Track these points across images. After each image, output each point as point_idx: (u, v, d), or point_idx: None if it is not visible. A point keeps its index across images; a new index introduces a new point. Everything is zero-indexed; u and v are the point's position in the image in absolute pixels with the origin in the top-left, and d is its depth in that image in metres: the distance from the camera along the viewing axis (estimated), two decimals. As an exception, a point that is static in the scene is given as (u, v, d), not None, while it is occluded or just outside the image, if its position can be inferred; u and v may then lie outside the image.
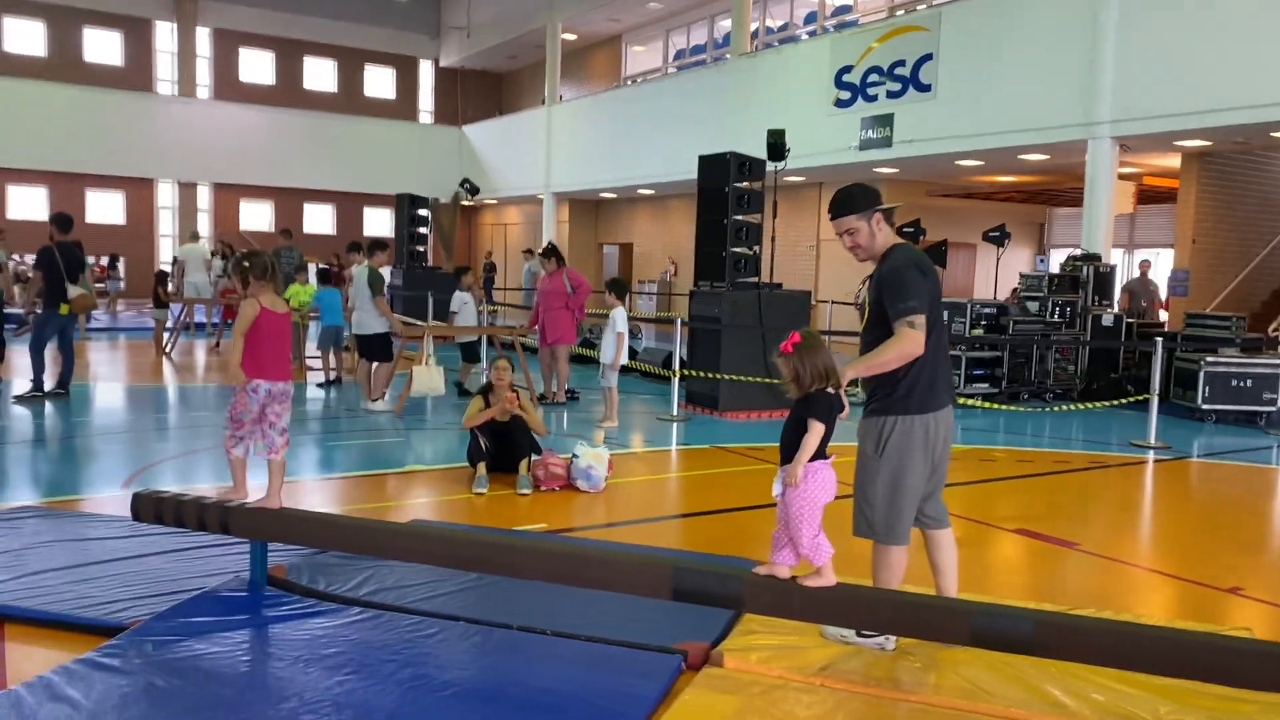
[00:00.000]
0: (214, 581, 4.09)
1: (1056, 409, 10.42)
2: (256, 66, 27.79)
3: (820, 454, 3.23)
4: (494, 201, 28.16)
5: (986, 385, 10.96)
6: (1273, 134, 12.34)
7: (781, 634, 3.64)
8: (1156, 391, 8.66)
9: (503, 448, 6.30)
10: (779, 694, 3.21)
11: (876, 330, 3.54)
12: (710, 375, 9.22)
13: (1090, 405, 9.80)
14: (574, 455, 6.23)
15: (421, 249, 16.80)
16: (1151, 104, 12.03)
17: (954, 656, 3.44)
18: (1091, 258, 12.01)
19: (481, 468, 6.23)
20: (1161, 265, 16.88)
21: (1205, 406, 10.07)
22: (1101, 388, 11.48)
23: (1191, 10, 11.63)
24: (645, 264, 24.81)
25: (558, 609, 3.88)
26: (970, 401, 9.73)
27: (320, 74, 28.65)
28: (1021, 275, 12.16)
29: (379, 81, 29.65)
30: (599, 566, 3.46)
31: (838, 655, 3.49)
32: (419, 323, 10.24)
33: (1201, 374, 10.14)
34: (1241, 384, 10.13)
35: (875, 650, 3.56)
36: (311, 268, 14.44)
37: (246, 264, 4.19)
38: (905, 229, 12.05)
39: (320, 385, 10.57)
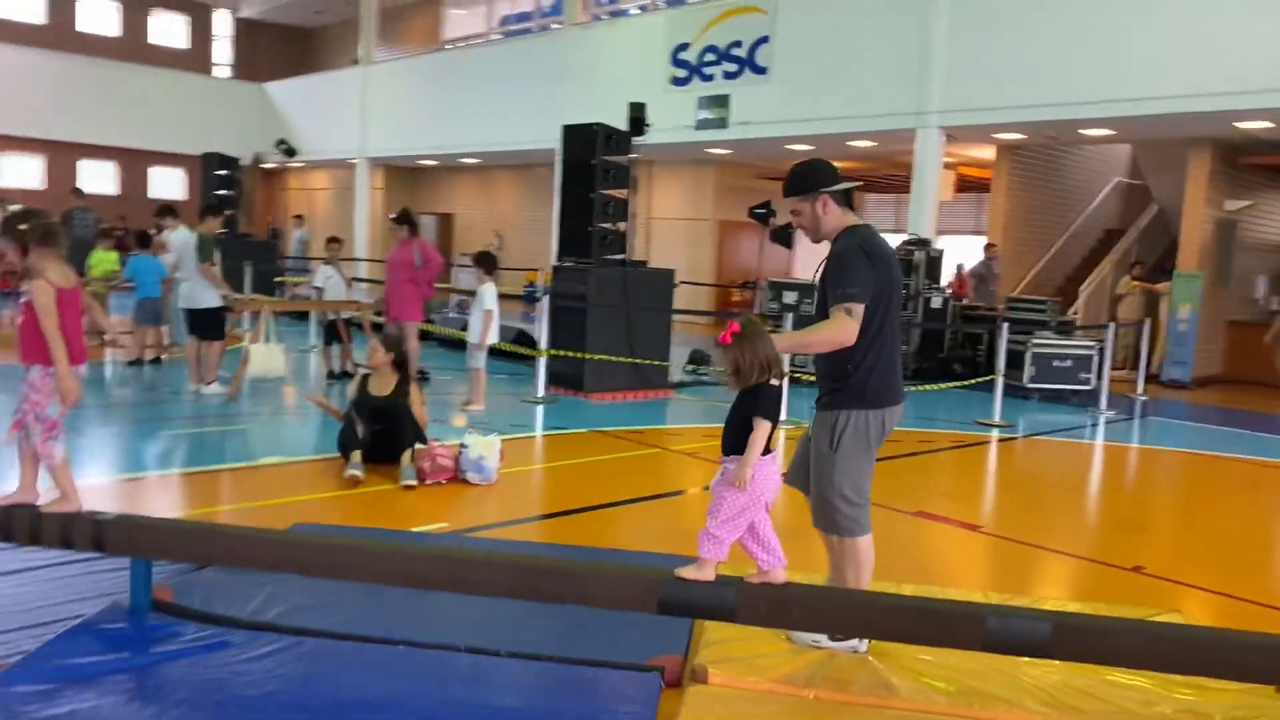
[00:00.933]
0: (84, 609, 3.43)
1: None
2: (22, 2, 24.73)
3: (764, 449, 3.03)
4: (300, 165, 26.43)
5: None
6: (1080, 130, 13.26)
7: (750, 642, 3.42)
8: (1001, 372, 9.09)
9: (383, 435, 5.76)
10: (777, 711, 2.99)
11: (824, 315, 3.38)
12: (577, 355, 8.89)
13: (937, 386, 10.18)
14: (463, 445, 5.78)
15: (231, 214, 15.40)
16: (978, 97, 12.61)
17: (939, 658, 3.33)
18: (922, 242, 12.51)
19: (356, 455, 5.67)
20: (962, 253, 17.81)
21: (1030, 385, 10.71)
22: (930, 368, 12.01)
23: (1017, 8, 12.26)
24: (468, 236, 23.98)
25: (487, 625, 3.48)
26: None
27: (99, 16, 25.84)
28: (862, 258, 12.47)
29: (169, 29, 27.07)
30: (573, 580, 3.11)
31: (817, 663, 3.30)
32: (258, 296, 9.31)
33: (1029, 355, 10.78)
34: (1062, 364, 10.84)
35: (848, 654, 3.41)
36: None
37: (23, 226, 3.31)
38: (757, 210, 12.12)
39: (131, 364, 9.45)
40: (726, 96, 15.65)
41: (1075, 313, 14.29)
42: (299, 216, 24.24)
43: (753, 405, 3.04)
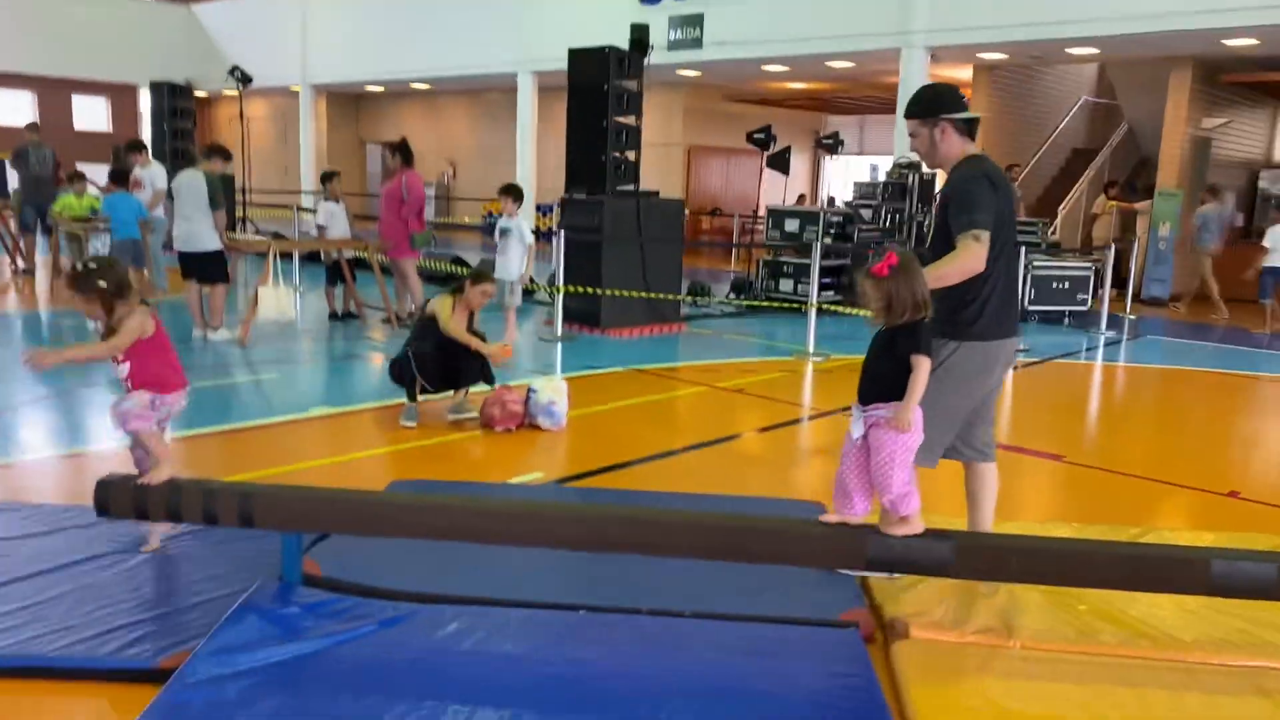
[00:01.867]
0: (213, 589, 3.17)
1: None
2: (-82, -83, 22.74)
3: None
4: (233, 93, 25.12)
5: (832, 293, 11.12)
6: (1066, 50, 13.20)
7: (916, 590, 3.32)
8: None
9: (452, 369, 5.51)
10: (989, 663, 2.89)
11: (940, 246, 3.32)
12: (592, 291, 8.63)
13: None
14: (531, 389, 5.54)
15: (187, 147, 14.59)
16: (964, 17, 12.42)
17: (1126, 603, 3.26)
18: (914, 166, 12.40)
19: (414, 406, 5.43)
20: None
21: (1031, 308, 10.79)
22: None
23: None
24: (419, 164, 23.11)
25: (650, 585, 3.30)
26: (832, 308, 9.76)
27: (4, -69, 23.93)
28: (856, 183, 12.36)
29: (83, -54, 25.23)
30: (779, 539, 2.96)
31: (1004, 612, 3.19)
32: (260, 237, 8.81)
33: (1029, 278, 10.82)
34: (1061, 286, 10.93)
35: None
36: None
37: (103, 282, 3.20)
38: (757, 135, 11.86)
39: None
40: (700, 16, 15.17)
41: (1054, 232, 14.43)
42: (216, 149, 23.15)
43: (912, 344, 2.89)
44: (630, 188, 8.91)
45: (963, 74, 15.27)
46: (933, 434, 3.18)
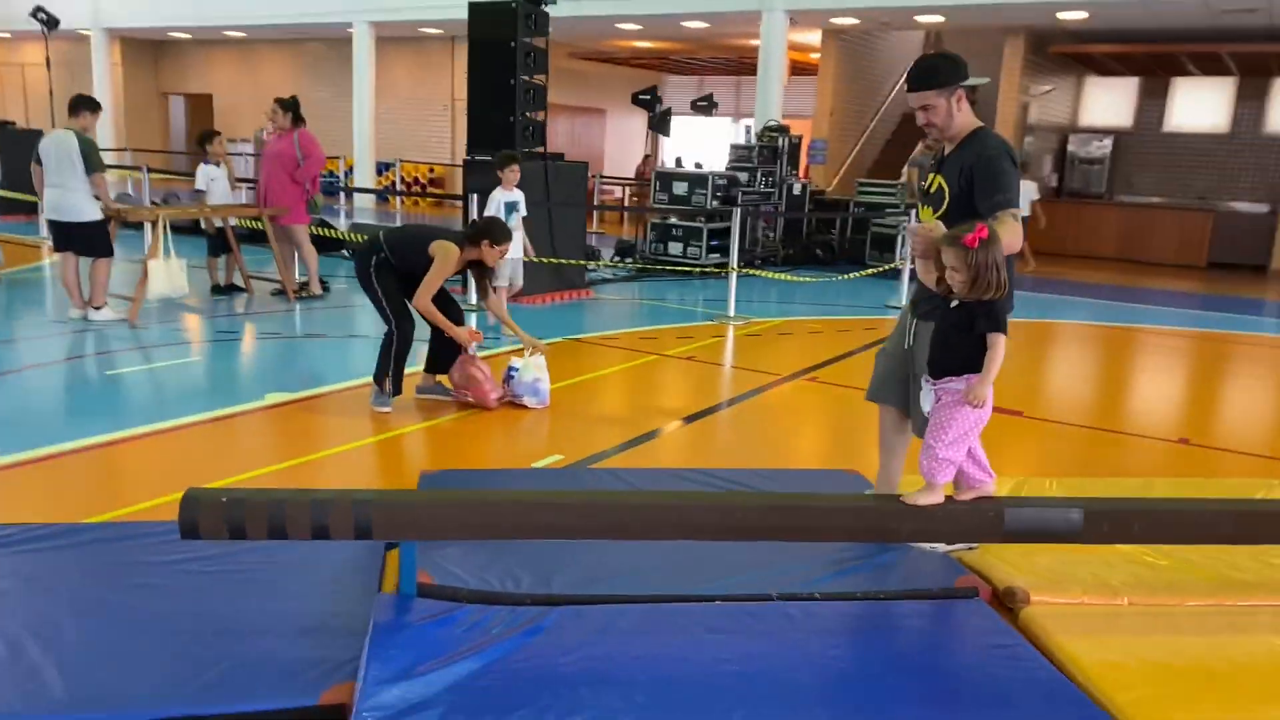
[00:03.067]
0: (312, 610, 2.87)
1: (804, 278, 10.98)
2: None
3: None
4: (6, 35, 22.37)
5: (718, 255, 11.26)
6: (915, 17, 13.81)
7: (1007, 556, 3.45)
8: (908, 259, 9.52)
9: (447, 345, 5.21)
10: (1129, 621, 3.05)
11: (956, 222, 3.19)
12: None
13: (848, 275, 10.34)
14: (511, 369, 5.31)
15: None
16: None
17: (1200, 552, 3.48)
18: (783, 129, 12.69)
19: (388, 382, 5.09)
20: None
21: (887, 266, 11.32)
22: (796, 254, 12.39)
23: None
24: (233, 119, 21.51)
25: (738, 569, 3.23)
26: (757, 272, 9.85)
27: None
28: (732, 146, 12.49)
29: None
30: (921, 517, 2.97)
31: (1099, 571, 3.37)
32: (146, 205, 7.90)
33: (900, 237, 11.35)
34: (928, 246, 11.53)
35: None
36: None
37: None
38: (642, 95, 11.73)
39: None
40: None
41: (897, 194, 15.18)
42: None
43: (992, 322, 2.85)
44: (539, 150, 8.63)
45: (812, 38, 15.71)
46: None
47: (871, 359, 3.72)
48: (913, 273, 9.54)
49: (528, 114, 8.41)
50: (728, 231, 11.22)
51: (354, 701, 2.38)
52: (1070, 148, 16.81)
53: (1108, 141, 16.67)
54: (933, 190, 3.45)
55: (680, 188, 11.09)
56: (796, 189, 12.60)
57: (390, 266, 4.96)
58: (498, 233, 5.00)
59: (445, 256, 4.87)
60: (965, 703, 2.57)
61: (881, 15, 13.82)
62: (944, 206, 3.34)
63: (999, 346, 2.86)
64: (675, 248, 11.03)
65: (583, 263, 9.08)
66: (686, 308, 9.00)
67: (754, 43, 17.52)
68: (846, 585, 3.19)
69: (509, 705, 2.43)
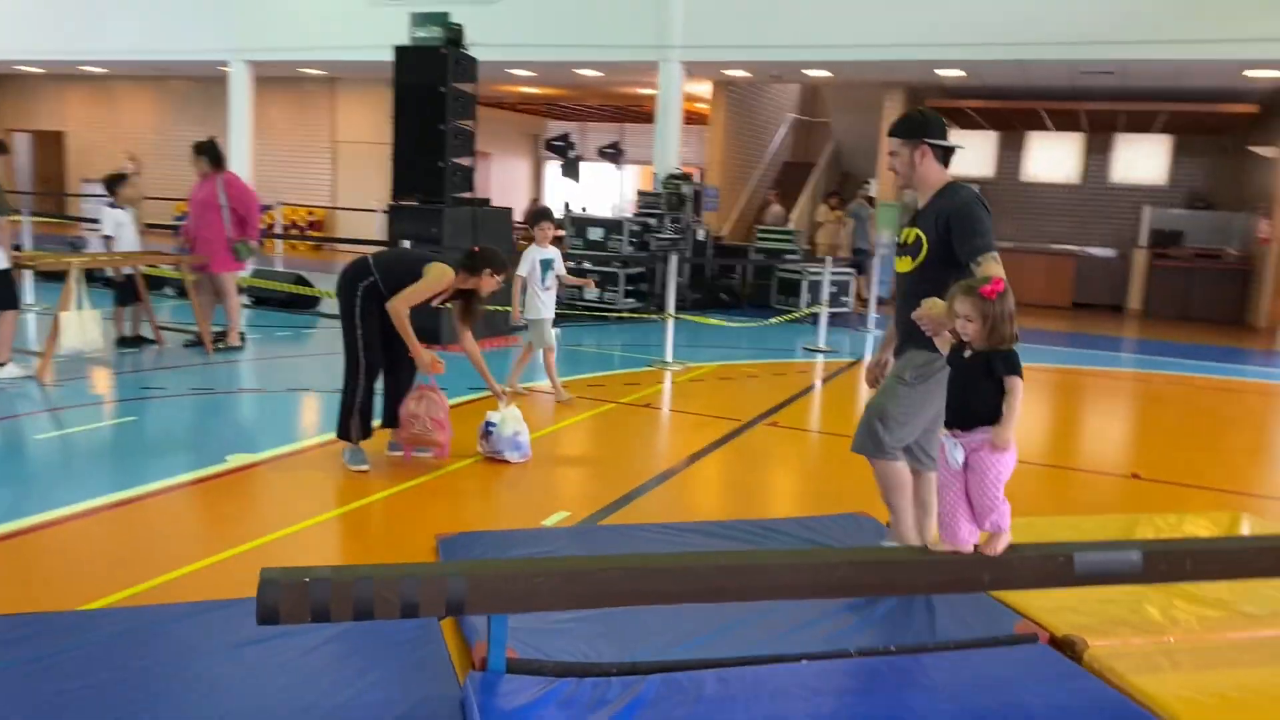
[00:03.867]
0: (392, 697, 2.67)
1: (734, 322, 11.05)
2: None
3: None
4: None
5: (633, 300, 11.30)
6: (804, 70, 14.35)
7: (1044, 598, 3.55)
8: (826, 303, 9.81)
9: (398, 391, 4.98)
10: (1186, 658, 3.16)
11: (935, 270, 3.42)
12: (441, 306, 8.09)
13: (761, 322, 10.59)
14: (489, 424, 5.14)
15: None
16: (716, 34, 13.13)
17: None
18: (686, 177, 12.89)
19: (356, 438, 4.85)
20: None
21: (808, 310, 11.64)
22: (703, 298, 12.56)
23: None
24: (87, 159, 20.24)
25: (777, 627, 3.21)
26: (691, 317, 9.85)
27: None
28: (640, 193, 12.58)
29: None
30: (996, 566, 3.02)
31: (1136, 607, 3.49)
32: (60, 254, 7.26)
33: (804, 283, 11.71)
34: (831, 290, 11.89)
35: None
36: None
37: None
38: (555, 142, 11.70)
39: None
40: (445, 14, 14.65)
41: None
42: None
43: (1009, 367, 2.91)
44: (467, 195, 8.47)
45: (703, 88, 16.08)
46: (909, 433, 3.53)
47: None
48: (831, 317, 9.70)
49: (456, 160, 8.25)
50: (643, 276, 11.35)
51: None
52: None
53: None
54: (909, 241, 3.62)
55: (595, 232, 11.09)
56: (700, 235, 12.80)
57: (378, 294, 4.72)
58: (500, 262, 4.84)
59: (439, 275, 4.69)
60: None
61: (772, 68, 14.29)
62: (922, 255, 3.52)
63: (1018, 391, 2.90)
64: (591, 292, 10.98)
65: (506, 308, 8.91)
66: (621, 353, 8.96)
67: (643, 91, 17.83)
68: (904, 637, 3.20)
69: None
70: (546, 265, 6.55)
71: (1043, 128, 17.04)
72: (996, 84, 14.24)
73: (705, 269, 12.95)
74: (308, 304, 10.23)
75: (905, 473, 3.65)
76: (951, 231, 3.38)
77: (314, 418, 6.04)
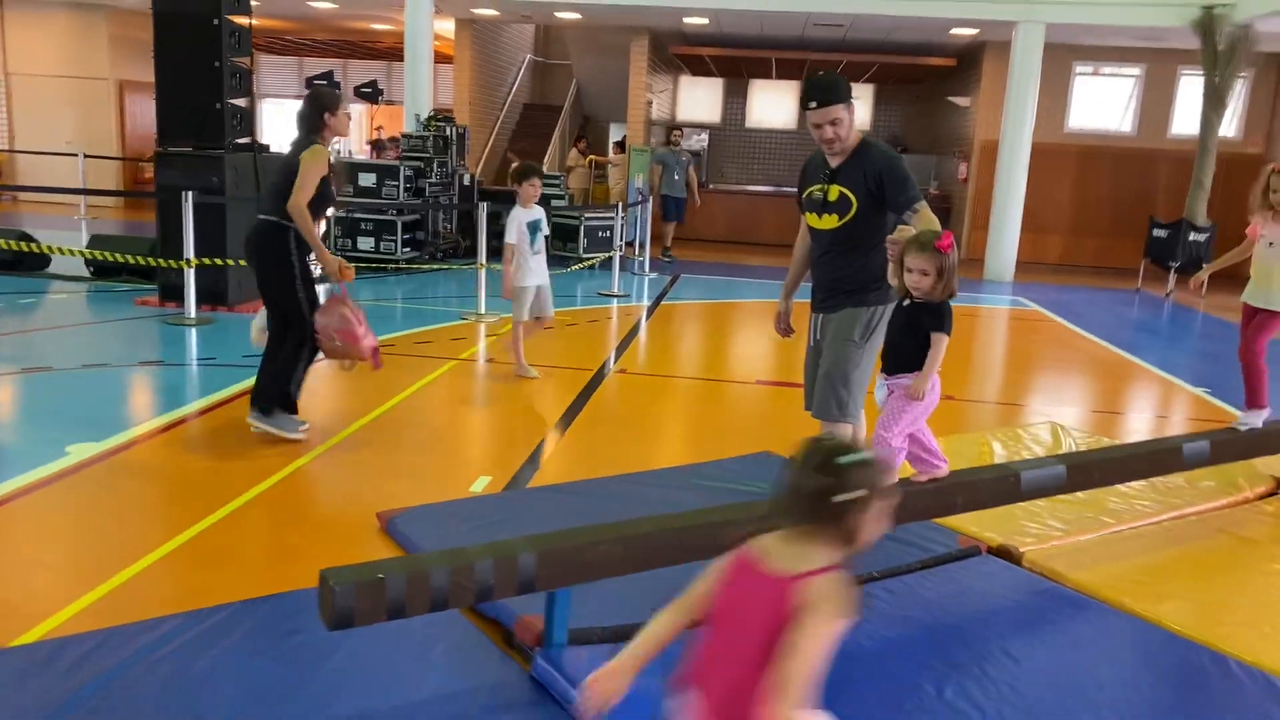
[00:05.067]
0: (463, 680, 2.55)
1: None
2: None
3: None
4: None
5: (410, 249, 10.85)
6: (555, 13, 14.22)
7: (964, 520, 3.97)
8: (619, 250, 9.97)
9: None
10: (1098, 551, 3.67)
11: (861, 225, 3.52)
12: (221, 262, 7.38)
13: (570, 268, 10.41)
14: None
15: None
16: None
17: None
18: (449, 119, 12.42)
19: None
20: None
21: (585, 255, 11.75)
22: (470, 245, 12.27)
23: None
24: None
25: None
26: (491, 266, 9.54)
27: None
28: (405, 135, 11.93)
29: None
30: (965, 490, 3.34)
31: (1042, 519, 3.98)
32: None
33: (582, 228, 11.78)
34: (604, 235, 12.06)
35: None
36: None
37: None
38: (364, 89, 10.86)
39: None
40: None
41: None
42: None
43: (937, 321, 3.13)
44: (247, 140, 7.71)
45: (445, 25, 15.47)
46: (863, 391, 3.60)
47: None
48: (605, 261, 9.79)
49: (233, 100, 7.46)
50: (418, 224, 10.90)
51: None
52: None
53: (705, 135, 18.53)
54: (833, 199, 3.58)
55: (368, 178, 10.48)
56: (466, 180, 12.44)
57: (303, 242, 4.31)
58: (331, 99, 4.49)
59: (315, 155, 4.35)
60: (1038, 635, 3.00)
61: (523, 9, 14.05)
62: (851, 212, 3.55)
63: (942, 346, 3.13)
64: (366, 242, 10.42)
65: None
66: (430, 306, 8.63)
67: (376, 26, 16.87)
68: (877, 565, 3.46)
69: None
70: (534, 228, 5.87)
71: (767, 75, 18.07)
72: (734, 33, 14.89)
73: (469, 215, 12.63)
74: (38, 264, 8.94)
75: (863, 432, 3.68)
76: (885, 186, 3.42)
77: (134, 397, 5.36)
